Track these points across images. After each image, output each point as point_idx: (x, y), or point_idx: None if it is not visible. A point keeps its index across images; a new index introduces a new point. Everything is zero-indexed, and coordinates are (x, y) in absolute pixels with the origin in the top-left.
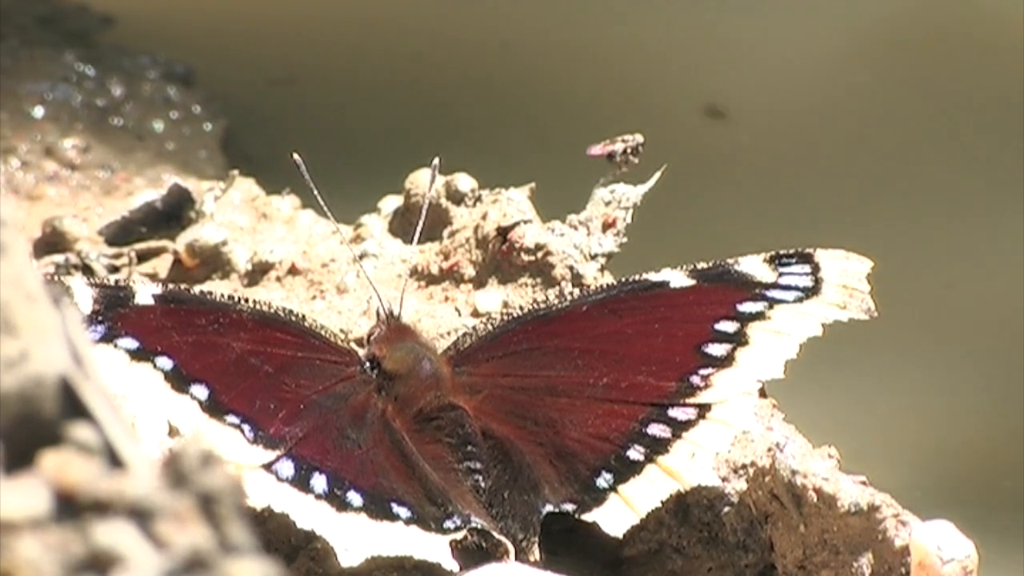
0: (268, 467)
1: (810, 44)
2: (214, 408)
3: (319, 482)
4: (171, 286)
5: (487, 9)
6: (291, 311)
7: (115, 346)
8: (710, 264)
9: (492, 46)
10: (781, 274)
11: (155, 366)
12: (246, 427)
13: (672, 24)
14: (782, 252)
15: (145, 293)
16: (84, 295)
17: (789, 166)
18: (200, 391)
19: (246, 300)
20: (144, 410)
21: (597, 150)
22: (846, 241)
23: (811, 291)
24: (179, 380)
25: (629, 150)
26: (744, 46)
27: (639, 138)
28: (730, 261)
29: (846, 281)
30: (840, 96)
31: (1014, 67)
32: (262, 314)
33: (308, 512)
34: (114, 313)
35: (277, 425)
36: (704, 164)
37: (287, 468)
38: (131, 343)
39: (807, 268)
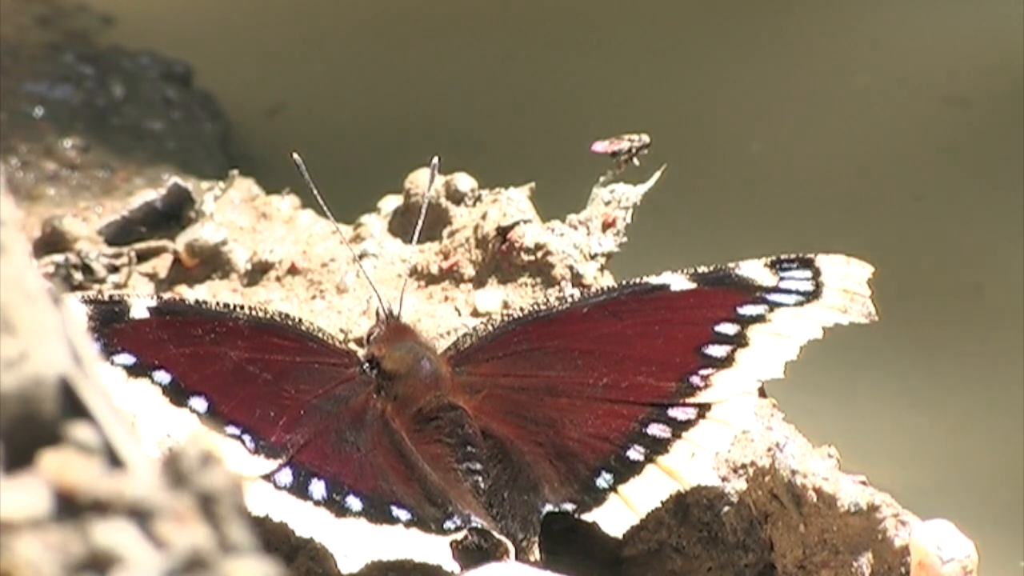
0: (267, 476)
1: (813, 48)
2: (214, 420)
3: (317, 488)
4: (166, 297)
5: (492, 21)
6: (287, 315)
7: (112, 363)
8: (711, 268)
9: (496, 56)
10: (782, 278)
11: (153, 381)
12: (247, 437)
13: (674, 28)
14: (783, 257)
15: (140, 306)
16: (79, 312)
17: (796, 171)
18: (199, 403)
19: (242, 307)
20: (144, 424)
21: (601, 147)
22: (844, 245)
23: (812, 295)
24: (178, 393)
25: (634, 150)
26: (749, 49)
27: (645, 138)
28: (731, 265)
29: (847, 285)
30: (845, 100)
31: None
32: (258, 320)
33: (307, 519)
34: (109, 329)
35: (278, 433)
36: (706, 165)
37: (285, 475)
38: (128, 359)
39: (808, 273)
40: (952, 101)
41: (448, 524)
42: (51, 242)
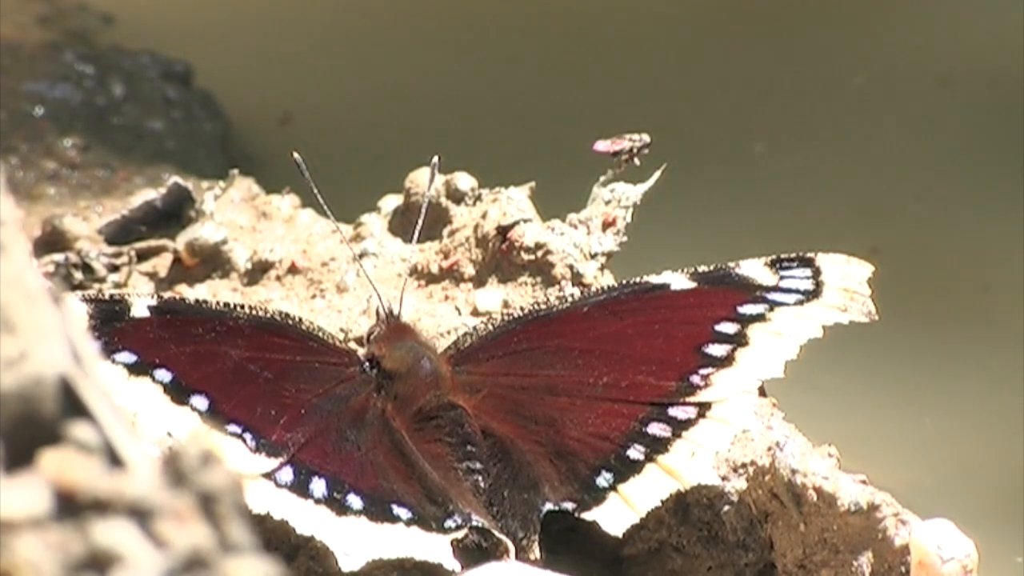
0: (268, 474)
1: (813, 48)
2: (215, 418)
3: (318, 486)
4: (167, 296)
5: (493, 22)
6: (288, 315)
7: (112, 361)
8: (711, 267)
9: (497, 56)
10: (782, 277)
11: (154, 379)
12: (247, 436)
13: (676, 28)
14: (783, 256)
15: (140, 305)
16: (79, 311)
17: (797, 171)
18: (200, 402)
19: (242, 306)
20: (145, 423)
21: (603, 146)
22: (845, 246)
23: (812, 294)
24: (178, 392)
25: (635, 149)
26: (750, 49)
27: (646, 138)
28: (731, 264)
29: (847, 284)
30: (843, 101)
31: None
32: (259, 320)
33: (308, 518)
34: (110, 328)
35: (279, 431)
36: (706, 165)
37: (286, 474)
38: (129, 357)
39: (808, 272)
40: (950, 91)
41: (448, 523)
42: (51, 241)
